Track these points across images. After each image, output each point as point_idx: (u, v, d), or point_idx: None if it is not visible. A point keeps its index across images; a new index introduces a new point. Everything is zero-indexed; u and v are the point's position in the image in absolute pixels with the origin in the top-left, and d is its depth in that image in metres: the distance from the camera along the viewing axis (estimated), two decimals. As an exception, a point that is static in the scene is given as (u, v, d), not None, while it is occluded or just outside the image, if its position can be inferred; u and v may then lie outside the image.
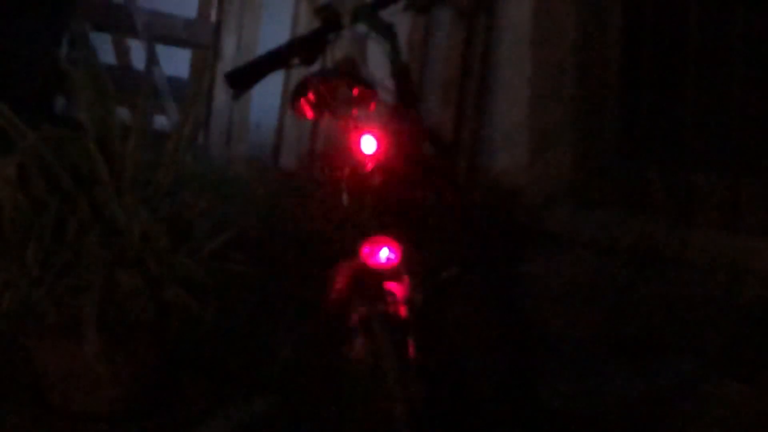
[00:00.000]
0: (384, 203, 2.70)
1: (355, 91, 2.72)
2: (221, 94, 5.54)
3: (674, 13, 4.49)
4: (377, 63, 2.81)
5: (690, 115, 4.46)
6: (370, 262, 2.62)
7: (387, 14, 2.83)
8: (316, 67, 2.86)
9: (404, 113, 2.79)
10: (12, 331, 3.17)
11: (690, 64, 4.45)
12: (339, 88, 2.71)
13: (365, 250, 2.61)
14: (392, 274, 2.63)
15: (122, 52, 5.81)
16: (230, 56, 5.55)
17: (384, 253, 2.63)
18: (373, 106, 2.75)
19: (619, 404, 3.41)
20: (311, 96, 2.75)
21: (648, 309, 4.00)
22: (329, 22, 2.76)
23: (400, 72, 2.79)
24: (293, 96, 2.79)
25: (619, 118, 4.65)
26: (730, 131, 4.38)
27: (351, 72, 2.75)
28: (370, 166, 2.68)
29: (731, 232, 4.29)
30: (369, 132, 2.70)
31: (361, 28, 2.80)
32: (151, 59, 5.55)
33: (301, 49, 2.76)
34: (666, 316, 3.94)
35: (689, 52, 4.45)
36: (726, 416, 3.33)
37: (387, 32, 2.78)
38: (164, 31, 5.65)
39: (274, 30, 5.35)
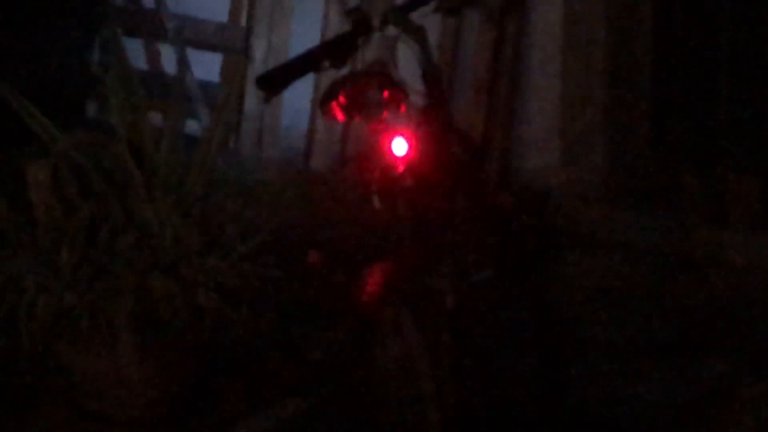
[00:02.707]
0: (415, 206, 2.69)
1: (386, 94, 2.72)
2: (252, 97, 5.54)
3: (706, 12, 4.46)
4: (408, 65, 2.80)
5: (723, 115, 4.43)
6: (402, 263, 2.62)
7: (417, 16, 2.83)
8: (346, 70, 2.86)
9: (435, 115, 2.78)
10: (46, 335, 3.18)
11: (723, 64, 4.42)
12: (370, 91, 2.71)
13: (397, 251, 2.61)
14: (424, 275, 2.63)
15: (153, 57, 5.83)
16: (261, 60, 5.55)
17: (416, 255, 2.63)
18: (403, 108, 2.75)
19: (653, 407, 3.39)
20: (342, 99, 2.75)
21: (682, 311, 3.98)
22: (359, 25, 2.76)
23: (430, 74, 2.79)
24: (324, 99, 2.79)
25: (651, 119, 4.63)
26: (765, 131, 4.35)
27: (381, 74, 2.75)
28: (401, 168, 2.68)
29: (766, 233, 4.27)
30: (400, 134, 2.70)
31: (392, 30, 2.80)
32: (182, 64, 5.56)
33: (331, 52, 2.76)
34: (701, 318, 3.92)
35: (722, 51, 4.42)
36: (763, 418, 3.31)
37: (417, 34, 2.78)
38: (195, 36, 5.66)
39: (305, 33, 5.35)
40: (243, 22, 5.69)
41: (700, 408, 3.37)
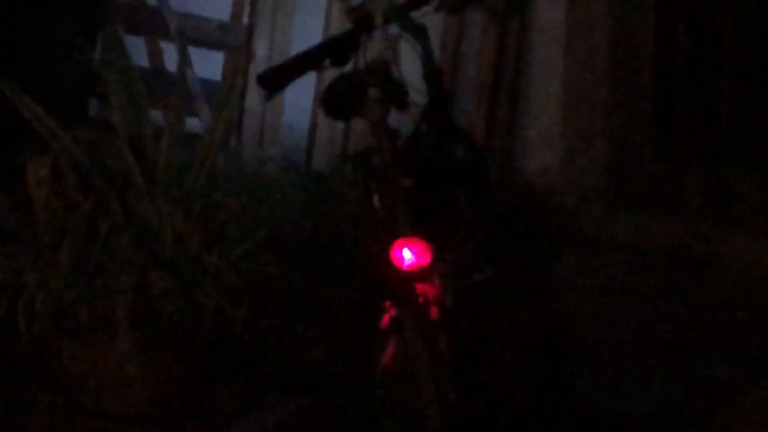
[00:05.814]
0: (416, 205, 2.69)
1: (387, 93, 2.71)
2: (254, 95, 5.55)
3: (709, 12, 4.46)
4: (409, 64, 2.80)
5: (727, 116, 4.43)
6: (402, 263, 2.62)
7: (419, 15, 2.82)
8: (348, 69, 2.85)
9: (436, 114, 2.78)
10: (45, 331, 3.18)
11: (725, 65, 4.42)
12: (371, 90, 2.71)
13: (396, 251, 2.61)
14: (424, 275, 2.62)
15: (155, 55, 5.83)
16: (263, 58, 5.56)
17: (415, 255, 2.62)
18: (405, 107, 2.75)
19: (654, 407, 3.39)
20: (344, 97, 2.74)
21: (683, 312, 3.98)
22: (361, 24, 2.75)
23: (432, 73, 2.78)
24: (326, 97, 2.78)
25: (654, 119, 4.63)
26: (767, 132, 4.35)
27: (383, 73, 2.74)
28: (402, 168, 2.67)
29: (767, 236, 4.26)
30: (401, 134, 2.69)
31: (393, 29, 2.79)
32: (184, 61, 5.57)
33: (333, 50, 2.75)
34: (701, 319, 3.91)
35: (724, 52, 4.42)
36: (763, 419, 3.30)
37: (419, 33, 2.78)
38: (197, 34, 5.67)
39: (307, 31, 5.35)
40: (245, 20, 5.69)
41: (702, 409, 3.37)
